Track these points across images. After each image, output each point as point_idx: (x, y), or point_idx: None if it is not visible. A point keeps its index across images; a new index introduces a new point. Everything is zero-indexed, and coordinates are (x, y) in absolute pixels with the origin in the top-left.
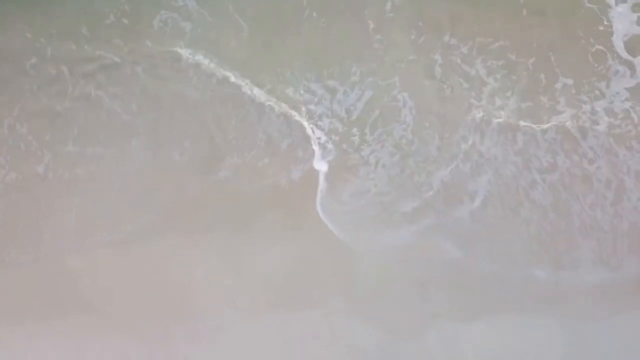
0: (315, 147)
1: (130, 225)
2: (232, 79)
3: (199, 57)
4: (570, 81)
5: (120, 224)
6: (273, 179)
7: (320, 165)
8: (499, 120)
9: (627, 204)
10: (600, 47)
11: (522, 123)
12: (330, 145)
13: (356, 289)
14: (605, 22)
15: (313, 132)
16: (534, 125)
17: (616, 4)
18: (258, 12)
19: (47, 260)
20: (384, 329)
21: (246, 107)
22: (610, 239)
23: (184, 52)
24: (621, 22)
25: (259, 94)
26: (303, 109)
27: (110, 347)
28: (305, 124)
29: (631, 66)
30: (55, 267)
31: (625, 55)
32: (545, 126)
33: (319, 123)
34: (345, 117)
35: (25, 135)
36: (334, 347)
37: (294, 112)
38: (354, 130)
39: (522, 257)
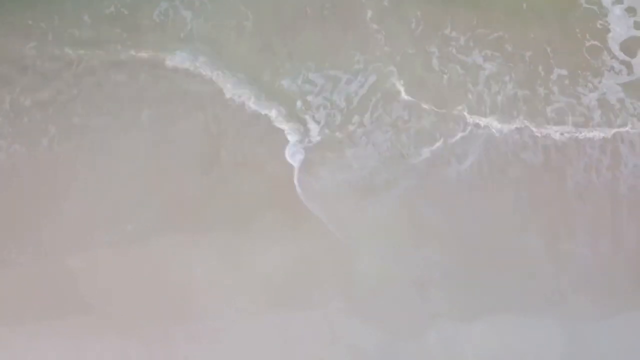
0: (291, 138)
1: (130, 225)
2: (231, 75)
3: (198, 52)
4: (564, 72)
5: (120, 224)
6: (273, 178)
7: (297, 152)
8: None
9: (624, 169)
10: (596, 43)
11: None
12: (318, 137)
13: (356, 288)
14: (601, 22)
15: (308, 124)
16: (532, 128)
17: (612, 5)
18: (260, 3)
19: (47, 260)
20: (384, 329)
21: (245, 105)
22: (607, 205)
23: (184, 48)
24: (618, 24)
25: (257, 89)
26: (300, 101)
27: (110, 347)
28: (302, 116)
29: (628, 65)
30: (55, 267)
31: (621, 56)
32: (543, 131)
33: (316, 115)
34: (345, 107)
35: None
36: (334, 347)
37: (292, 106)
38: (353, 117)
39: (513, 222)
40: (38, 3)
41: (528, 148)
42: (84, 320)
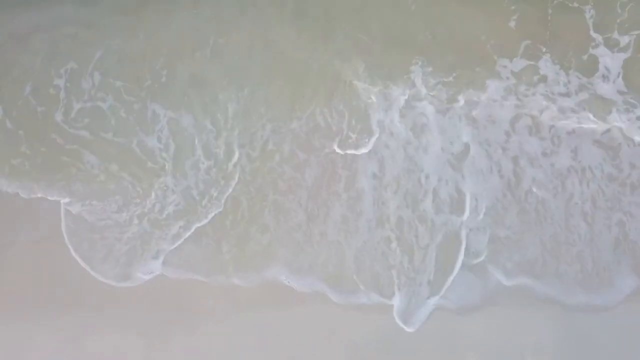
0: None
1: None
2: None
3: None
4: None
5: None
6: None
7: None
8: None
9: None
10: None
11: None
12: None
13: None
14: None
15: None
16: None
17: None
18: None
19: (46, 256)
20: (384, 323)
21: None
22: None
23: None
24: None
25: None
26: None
27: (109, 342)
28: None
29: None
30: (54, 263)
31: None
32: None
33: None
34: None
35: None
36: (333, 342)
37: None
38: None
39: None
40: None
41: None
42: (82, 316)
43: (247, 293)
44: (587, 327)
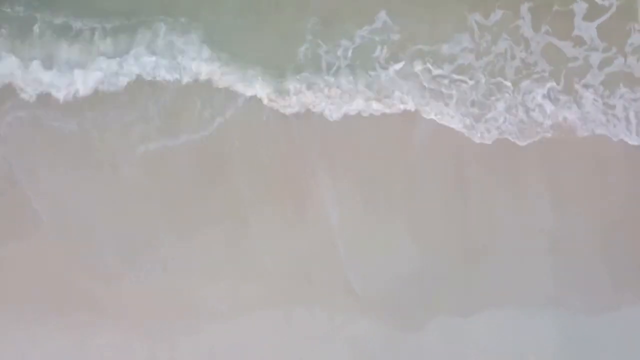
0: None
1: (132, 224)
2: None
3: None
4: None
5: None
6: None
7: None
8: None
9: None
10: None
11: None
12: None
13: (356, 280)
14: None
15: None
16: None
17: None
18: None
19: (49, 256)
20: (385, 322)
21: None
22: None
23: None
24: None
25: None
26: None
27: (113, 341)
28: None
29: None
30: (58, 262)
31: None
32: None
33: None
34: None
35: None
36: (334, 340)
37: None
38: None
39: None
40: None
41: None
42: (86, 316)
43: (251, 292)
44: (588, 327)
